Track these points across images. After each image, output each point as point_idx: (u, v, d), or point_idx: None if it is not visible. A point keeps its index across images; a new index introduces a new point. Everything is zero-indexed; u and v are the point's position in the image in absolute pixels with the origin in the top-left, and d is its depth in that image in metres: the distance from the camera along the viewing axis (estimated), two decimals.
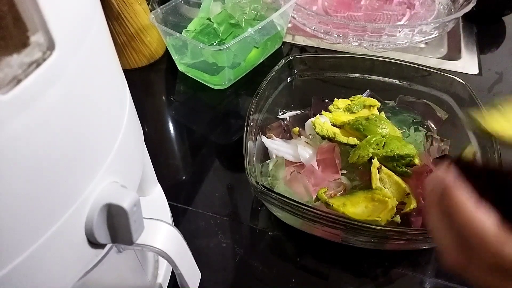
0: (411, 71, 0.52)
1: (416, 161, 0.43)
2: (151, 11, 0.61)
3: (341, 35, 0.67)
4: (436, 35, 0.65)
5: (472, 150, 0.27)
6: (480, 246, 0.22)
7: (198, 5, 0.66)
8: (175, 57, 0.64)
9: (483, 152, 0.43)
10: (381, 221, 0.38)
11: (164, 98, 0.64)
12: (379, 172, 0.42)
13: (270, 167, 0.46)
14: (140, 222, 0.23)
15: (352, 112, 0.50)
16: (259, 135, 0.48)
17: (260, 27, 0.58)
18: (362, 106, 0.50)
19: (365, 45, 0.67)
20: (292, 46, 0.72)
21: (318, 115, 0.49)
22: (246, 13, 0.64)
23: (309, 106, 0.53)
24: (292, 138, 0.51)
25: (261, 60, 0.67)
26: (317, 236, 0.43)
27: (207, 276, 0.40)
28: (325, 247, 0.44)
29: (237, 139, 0.56)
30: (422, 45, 0.71)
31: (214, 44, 0.63)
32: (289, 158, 0.47)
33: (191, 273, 0.31)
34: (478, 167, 0.25)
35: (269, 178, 0.45)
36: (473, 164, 0.25)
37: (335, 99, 0.51)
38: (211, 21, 0.63)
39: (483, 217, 0.23)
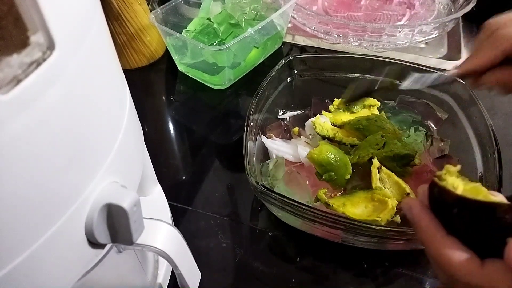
0: (411, 71, 0.52)
1: (416, 161, 0.43)
2: (151, 11, 0.61)
3: (341, 35, 0.67)
4: (436, 35, 0.65)
5: (455, 169, 0.26)
6: (453, 277, 0.23)
7: (198, 5, 0.66)
8: (175, 57, 0.64)
9: (482, 152, 0.43)
10: (381, 221, 0.38)
11: (164, 98, 0.64)
12: (379, 172, 0.42)
13: (270, 167, 0.46)
14: (140, 222, 0.23)
15: (352, 112, 0.50)
16: (259, 135, 0.48)
17: (260, 27, 0.58)
18: (362, 106, 0.50)
19: (365, 45, 0.67)
20: (292, 46, 0.72)
21: (318, 115, 0.49)
22: (246, 13, 0.64)
23: (309, 106, 0.53)
24: (292, 138, 0.51)
25: (261, 60, 0.67)
26: (317, 236, 0.43)
27: (207, 276, 0.40)
28: (325, 247, 0.44)
29: (237, 139, 0.56)
30: (422, 45, 0.71)
31: (214, 44, 0.63)
32: (289, 158, 0.47)
33: (191, 273, 0.31)
34: (451, 196, 0.24)
35: (269, 178, 0.45)
36: (447, 193, 0.24)
37: (335, 99, 0.51)
38: (211, 21, 0.63)
39: (450, 251, 0.23)
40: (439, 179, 0.25)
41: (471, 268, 0.22)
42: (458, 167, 0.25)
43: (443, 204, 0.25)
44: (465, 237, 0.23)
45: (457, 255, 0.23)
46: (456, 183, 0.25)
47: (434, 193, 0.25)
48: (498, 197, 0.24)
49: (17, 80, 0.15)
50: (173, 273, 0.41)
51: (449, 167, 0.26)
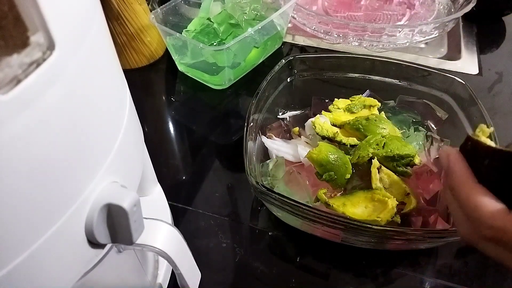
0: (411, 71, 0.52)
1: (416, 161, 0.43)
2: (151, 11, 0.61)
3: (341, 35, 0.67)
4: (436, 35, 0.65)
5: (488, 129, 0.28)
6: (479, 220, 0.24)
7: (198, 5, 0.66)
8: (175, 57, 0.64)
9: None
10: (381, 221, 0.38)
11: (164, 98, 0.64)
12: (379, 172, 0.42)
13: (270, 167, 0.46)
14: (140, 222, 0.23)
15: (352, 112, 0.50)
16: (259, 135, 0.48)
17: (260, 27, 0.58)
18: (362, 106, 0.50)
19: (365, 45, 0.67)
20: (292, 46, 0.72)
21: (318, 115, 0.49)
22: (246, 13, 0.64)
23: (309, 106, 0.53)
24: (292, 138, 0.51)
25: (261, 60, 0.67)
26: (317, 236, 0.43)
27: (207, 276, 0.40)
28: (325, 247, 0.44)
29: (237, 139, 0.56)
30: (422, 45, 0.71)
31: (214, 44, 0.63)
32: (289, 158, 0.47)
33: (191, 273, 0.31)
34: (484, 148, 0.25)
35: (269, 178, 0.45)
36: (480, 145, 0.26)
37: (335, 99, 0.51)
38: (211, 21, 0.63)
39: (480, 196, 0.24)
40: (475, 134, 0.27)
41: (497, 211, 0.23)
42: (492, 129, 0.27)
43: (475, 155, 0.26)
44: (495, 187, 0.24)
45: (486, 199, 0.24)
46: (488, 142, 0.27)
47: (467, 147, 0.27)
48: None
49: (17, 80, 0.15)
50: (173, 273, 0.41)
51: (483, 126, 0.28)
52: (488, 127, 0.29)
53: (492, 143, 0.27)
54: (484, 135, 0.28)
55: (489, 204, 0.24)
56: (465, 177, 0.26)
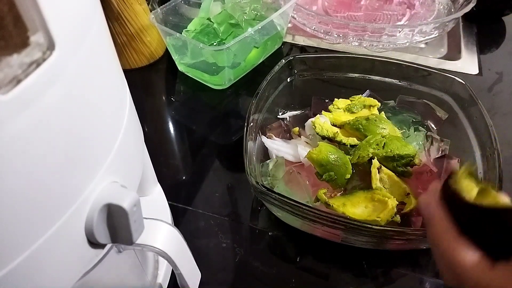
0: (411, 71, 0.52)
1: (416, 161, 0.43)
2: (151, 11, 0.61)
3: (341, 35, 0.67)
4: (436, 35, 0.65)
5: (467, 170, 0.27)
6: (462, 276, 0.23)
7: (198, 5, 0.66)
8: (175, 57, 0.64)
9: (482, 152, 0.43)
10: (381, 221, 0.38)
11: (164, 98, 0.64)
12: (379, 172, 0.42)
13: (270, 167, 0.46)
14: (140, 222, 0.23)
15: (352, 112, 0.50)
16: (259, 135, 0.48)
17: (260, 27, 0.58)
18: (362, 106, 0.50)
19: (365, 45, 0.67)
20: (292, 46, 0.72)
21: (318, 115, 0.49)
22: (246, 13, 0.64)
23: (309, 106, 0.53)
24: (292, 138, 0.51)
25: (261, 60, 0.67)
26: (317, 236, 0.43)
27: (207, 276, 0.40)
28: (325, 247, 0.44)
29: (237, 139, 0.56)
30: (422, 45, 0.71)
31: (214, 44, 0.63)
32: (289, 158, 0.47)
33: (191, 273, 0.31)
34: (462, 202, 0.24)
35: (269, 178, 0.45)
36: (457, 197, 0.25)
37: (335, 99, 0.51)
38: (211, 21, 0.63)
39: (461, 250, 0.23)
40: (454, 180, 0.25)
41: (482, 268, 0.23)
42: (476, 166, 0.26)
43: (455, 206, 0.25)
44: (477, 239, 0.24)
45: (469, 254, 0.23)
46: (470, 186, 0.25)
47: (448, 194, 0.25)
48: (507, 200, 0.24)
49: (17, 80, 0.15)
50: (173, 273, 0.41)
51: (468, 168, 0.26)
52: (472, 166, 0.26)
53: (474, 186, 0.25)
54: (466, 177, 0.26)
55: (472, 259, 0.23)
56: (445, 229, 0.25)
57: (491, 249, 0.23)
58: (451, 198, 0.25)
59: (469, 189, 0.25)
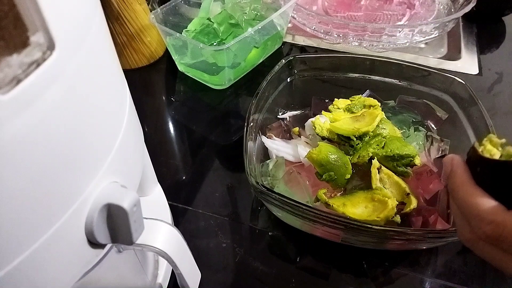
0: (411, 71, 0.52)
1: (416, 161, 0.43)
2: (151, 11, 0.61)
3: (341, 35, 0.67)
4: (436, 35, 0.65)
5: (497, 140, 0.29)
6: (478, 217, 0.25)
7: (198, 5, 0.66)
8: (175, 57, 0.64)
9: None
10: (381, 221, 0.38)
11: (164, 98, 0.64)
12: (379, 172, 0.42)
13: (270, 167, 0.46)
14: (140, 222, 0.23)
15: (352, 112, 0.50)
16: (259, 135, 0.48)
17: (260, 27, 0.58)
18: (362, 106, 0.50)
19: (365, 45, 0.67)
20: (292, 46, 0.72)
21: (318, 115, 0.49)
22: (246, 13, 0.64)
23: (309, 106, 0.53)
24: (292, 138, 0.50)
25: (261, 60, 0.67)
26: (317, 236, 0.43)
27: (207, 276, 0.40)
28: (325, 247, 0.44)
29: (237, 139, 0.56)
30: (422, 45, 0.71)
31: (214, 44, 0.63)
32: (289, 158, 0.47)
33: (191, 273, 0.31)
34: (475, 155, 0.27)
35: (269, 178, 0.45)
36: (474, 151, 0.27)
37: (335, 99, 0.51)
38: (211, 21, 0.63)
39: (478, 195, 0.25)
40: (479, 144, 0.28)
41: (496, 208, 0.24)
42: (504, 140, 0.28)
43: (472, 162, 0.27)
44: (495, 192, 0.25)
45: (485, 198, 0.25)
46: (493, 151, 0.28)
47: (470, 156, 0.28)
48: None
49: (17, 80, 0.15)
50: (173, 273, 0.41)
51: (492, 136, 0.28)
52: (493, 132, 0.30)
53: (497, 153, 0.28)
54: (491, 144, 0.29)
55: (488, 202, 0.25)
56: (465, 179, 0.27)
57: (506, 200, 0.24)
58: (474, 157, 0.27)
59: (492, 154, 0.27)
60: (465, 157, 0.29)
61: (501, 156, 0.27)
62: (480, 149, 0.27)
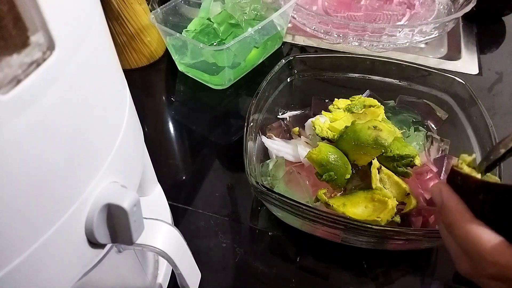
0: (411, 71, 0.52)
1: (417, 161, 0.43)
2: (151, 11, 0.61)
3: (341, 35, 0.67)
4: (436, 35, 0.65)
5: (468, 158, 0.27)
6: (480, 257, 0.23)
7: (198, 5, 0.66)
8: (175, 57, 0.64)
9: (482, 152, 0.43)
10: (381, 221, 0.38)
11: (164, 98, 0.64)
12: (379, 173, 0.42)
13: (270, 167, 0.46)
14: (140, 222, 0.23)
15: (352, 112, 0.50)
16: (259, 135, 0.48)
17: (260, 27, 0.58)
18: (362, 106, 0.50)
19: (365, 45, 0.67)
20: (292, 46, 0.72)
21: (318, 116, 0.49)
22: (246, 13, 0.64)
23: (309, 106, 0.53)
24: (292, 138, 0.50)
25: (261, 60, 0.67)
26: (317, 236, 0.43)
27: (207, 276, 0.40)
28: (325, 247, 0.44)
29: (237, 139, 0.56)
30: (422, 45, 0.71)
31: (214, 44, 0.63)
32: (289, 158, 0.47)
33: (191, 273, 0.31)
34: (475, 182, 0.25)
35: (269, 178, 0.45)
36: (470, 179, 0.25)
37: (335, 99, 0.51)
38: (211, 21, 0.63)
39: (478, 231, 0.23)
40: (458, 167, 0.26)
41: (501, 246, 0.22)
42: (474, 155, 0.27)
43: (467, 190, 0.25)
44: (492, 221, 0.24)
45: (485, 234, 0.23)
46: (473, 173, 0.26)
47: (457, 182, 0.26)
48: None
49: (17, 80, 0.15)
50: (173, 273, 0.41)
51: (464, 156, 0.27)
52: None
53: (475, 173, 0.26)
54: (466, 164, 0.27)
55: (490, 238, 0.23)
56: (461, 212, 0.25)
57: (506, 231, 0.23)
58: (461, 183, 0.25)
59: (473, 174, 0.26)
60: (448, 179, 0.27)
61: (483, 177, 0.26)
62: (463, 170, 0.25)
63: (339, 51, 0.69)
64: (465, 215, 0.24)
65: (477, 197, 0.24)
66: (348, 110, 0.50)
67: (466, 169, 0.26)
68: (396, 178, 0.42)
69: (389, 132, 0.42)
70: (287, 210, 0.38)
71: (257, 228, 0.46)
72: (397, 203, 0.40)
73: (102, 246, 0.23)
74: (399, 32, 0.64)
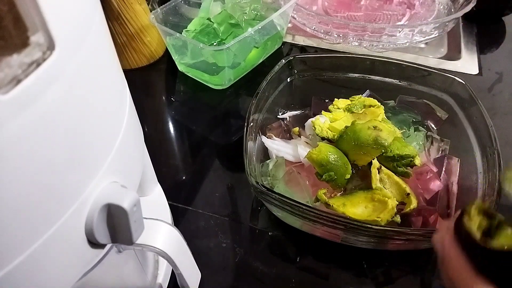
0: (411, 71, 0.52)
1: (417, 161, 0.43)
2: (151, 11, 0.61)
3: (341, 35, 0.67)
4: (436, 35, 0.65)
5: (477, 207, 0.26)
6: None
7: (198, 5, 0.66)
8: (175, 57, 0.64)
9: (482, 152, 0.43)
10: (381, 221, 0.38)
11: (164, 98, 0.64)
12: (379, 173, 0.42)
13: (270, 167, 0.46)
14: (140, 222, 0.23)
15: (352, 112, 0.50)
16: (259, 135, 0.48)
17: (260, 27, 0.58)
18: (362, 106, 0.50)
19: (365, 45, 0.67)
20: (292, 46, 0.72)
21: (318, 116, 0.49)
22: (246, 13, 0.64)
23: (309, 106, 0.53)
24: (292, 138, 0.50)
25: (261, 60, 0.67)
26: (317, 236, 0.43)
27: (207, 276, 0.40)
28: (325, 247, 0.44)
29: (237, 139, 0.56)
30: (422, 45, 0.71)
31: (214, 44, 0.63)
32: (289, 158, 0.47)
33: (191, 273, 0.31)
34: (476, 243, 0.24)
35: (269, 178, 0.45)
36: (471, 239, 0.24)
37: (335, 99, 0.51)
38: (211, 21, 0.63)
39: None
40: (466, 217, 0.25)
41: None
42: (487, 203, 0.25)
43: (469, 245, 0.25)
44: (493, 279, 0.23)
45: None
46: (483, 222, 0.25)
47: (461, 233, 0.25)
48: None
49: (17, 80, 0.15)
50: (173, 273, 0.41)
51: (479, 203, 0.26)
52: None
53: (484, 222, 0.25)
54: (478, 213, 0.26)
55: None
56: (463, 267, 0.24)
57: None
58: (464, 237, 0.25)
59: (482, 226, 0.25)
60: (454, 230, 0.26)
61: (495, 227, 0.25)
62: (468, 225, 0.25)
63: (339, 51, 0.69)
64: (466, 271, 0.24)
65: (477, 254, 0.24)
66: (348, 110, 0.50)
67: (476, 220, 0.25)
68: (396, 178, 0.42)
69: (389, 132, 0.42)
70: (287, 210, 0.38)
71: (257, 228, 0.46)
72: (397, 203, 0.40)
73: (102, 246, 0.23)
74: (399, 32, 0.64)
